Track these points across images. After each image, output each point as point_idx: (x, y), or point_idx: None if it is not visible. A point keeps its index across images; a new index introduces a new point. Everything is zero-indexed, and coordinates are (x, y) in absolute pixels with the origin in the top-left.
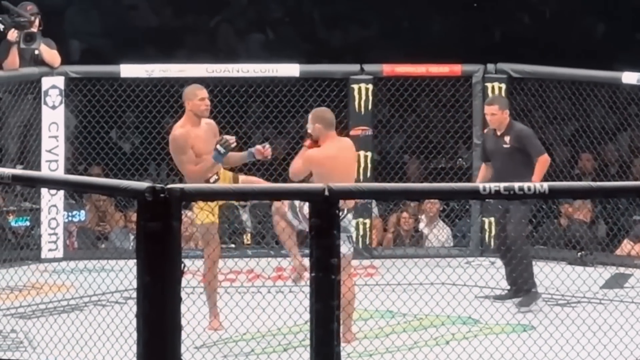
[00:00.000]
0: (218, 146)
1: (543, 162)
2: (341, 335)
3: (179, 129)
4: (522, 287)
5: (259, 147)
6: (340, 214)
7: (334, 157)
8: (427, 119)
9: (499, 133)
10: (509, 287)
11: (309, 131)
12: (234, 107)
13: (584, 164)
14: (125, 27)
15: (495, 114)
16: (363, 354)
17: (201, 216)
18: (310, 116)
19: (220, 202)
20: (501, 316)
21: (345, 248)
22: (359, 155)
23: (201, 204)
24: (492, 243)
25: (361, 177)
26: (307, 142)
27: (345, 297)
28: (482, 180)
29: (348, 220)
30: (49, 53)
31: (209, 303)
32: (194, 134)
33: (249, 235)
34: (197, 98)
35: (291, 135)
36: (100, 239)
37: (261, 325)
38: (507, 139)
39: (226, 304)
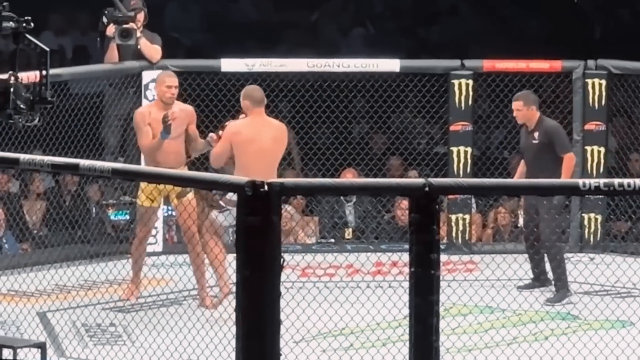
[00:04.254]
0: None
1: (568, 160)
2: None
3: (140, 109)
4: (555, 283)
5: (213, 135)
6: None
7: (248, 132)
8: None
9: (529, 129)
10: (532, 277)
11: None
12: (334, 102)
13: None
14: (225, 21)
15: (520, 110)
16: (462, 350)
17: (141, 198)
18: (241, 93)
19: (170, 190)
20: (600, 312)
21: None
22: (458, 151)
23: (143, 185)
24: (592, 239)
25: (461, 172)
26: (215, 137)
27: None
28: (519, 176)
29: (233, 217)
30: (149, 48)
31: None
32: (155, 116)
33: (351, 230)
34: (164, 85)
35: (391, 130)
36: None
37: (360, 320)
38: (536, 134)
39: (325, 298)
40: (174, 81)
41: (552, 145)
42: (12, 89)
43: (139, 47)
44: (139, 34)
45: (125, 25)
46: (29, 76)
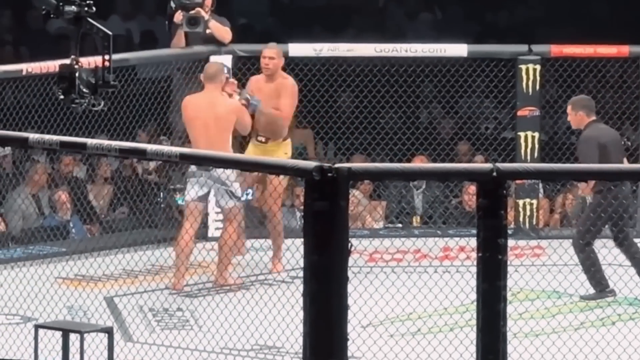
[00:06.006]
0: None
1: None
2: None
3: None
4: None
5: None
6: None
7: (193, 108)
8: (595, 99)
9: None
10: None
11: None
12: (401, 87)
13: None
14: (293, 6)
15: (569, 114)
16: (529, 334)
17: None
18: None
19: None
20: None
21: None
22: (525, 136)
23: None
24: None
25: (528, 157)
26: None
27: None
28: None
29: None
30: (219, 29)
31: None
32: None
33: (418, 217)
34: (262, 55)
35: (459, 115)
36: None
37: (427, 305)
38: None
39: (393, 283)
40: (269, 52)
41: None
42: (76, 74)
43: (207, 32)
44: (207, 17)
45: (192, 13)
46: (92, 61)
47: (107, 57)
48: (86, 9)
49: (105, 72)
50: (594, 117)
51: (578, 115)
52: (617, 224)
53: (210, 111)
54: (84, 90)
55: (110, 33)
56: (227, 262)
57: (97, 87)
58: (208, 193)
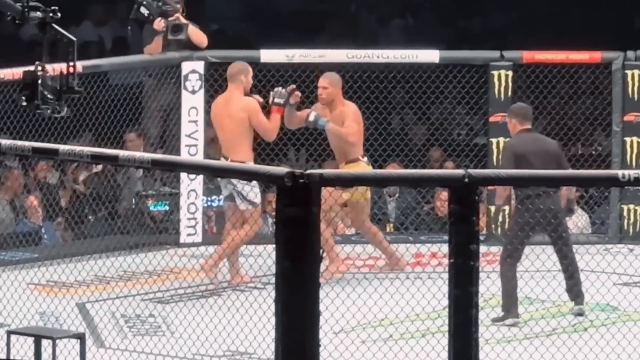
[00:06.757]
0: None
1: None
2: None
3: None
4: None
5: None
6: None
7: (214, 108)
8: (567, 105)
9: None
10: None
11: None
12: (373, 92)
13: None
14: (266, 11)
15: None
16: (501, 341)
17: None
18: None
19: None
20: None
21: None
22: (497, 142)
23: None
24: (631, 230)
25: (500, 163)
26: None
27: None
28: None
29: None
30: (198, 34)
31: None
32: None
33: (392, 225)
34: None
35: (431, 121)
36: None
37: (399, 311)
38: None
39: (365, 289)
40: (322, 82)
41: None
42: (39, 80)
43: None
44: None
45: (174, 20)
46: (57, 68)
47: (71, 63)
48: (51, 14)
49: (70, 78)
50: (527, 126)
51: (512, 122)
52: (555, 230)
53: (225, 110)
54: (49, 96)
55: (74, 39)
56: (235, 260)
57: (62, 93)
58: (231, 194)
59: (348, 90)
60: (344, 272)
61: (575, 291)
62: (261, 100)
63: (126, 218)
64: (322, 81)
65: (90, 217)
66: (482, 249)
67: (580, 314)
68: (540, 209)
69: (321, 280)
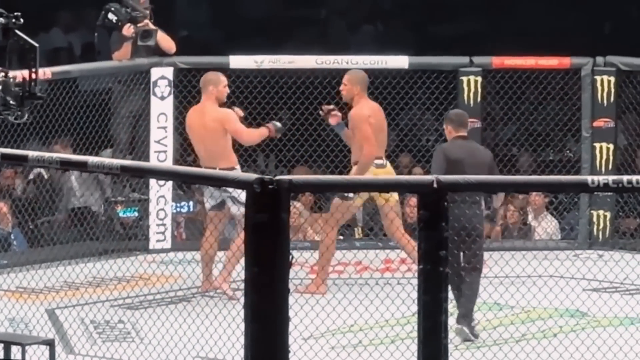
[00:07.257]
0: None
1: None
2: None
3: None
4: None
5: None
6: None
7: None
8: (536, 111)
9: None
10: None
11: None
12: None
13: None
14: (234, 17)
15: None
16: (471, 346)
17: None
18: None
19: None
20: (609, 309)
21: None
22: None
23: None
24: (601, 236)
25: None
26: None
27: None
28: None
29: None
30: (167, 40)
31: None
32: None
33: (360, 229)
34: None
35: (400, 127)
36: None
37: (369, 317)
38: None
39: (334, 295)
40: (344, 78)
41: None
42: (1, 86)
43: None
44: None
45: (144, 26)
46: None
47: (34, 69)
48: (14, 20)
49: (32, 84)
50: (462, 133)
51: (447, 128)
52: (469, 248)
53: (200, 121)
54: (11, 102)
55: (36, 45)
56: (231, 268)
57: (24, 99)
58: (223, 202)
59: (317, 96)
60: (323, 293)
61: (462, 312)
62: (241, 113)
63: (65, 229)
64: (344, 78)
65: (30, 224)
66: None
67: (467, 338)
68: (459, 218)
69: (298, 292)
